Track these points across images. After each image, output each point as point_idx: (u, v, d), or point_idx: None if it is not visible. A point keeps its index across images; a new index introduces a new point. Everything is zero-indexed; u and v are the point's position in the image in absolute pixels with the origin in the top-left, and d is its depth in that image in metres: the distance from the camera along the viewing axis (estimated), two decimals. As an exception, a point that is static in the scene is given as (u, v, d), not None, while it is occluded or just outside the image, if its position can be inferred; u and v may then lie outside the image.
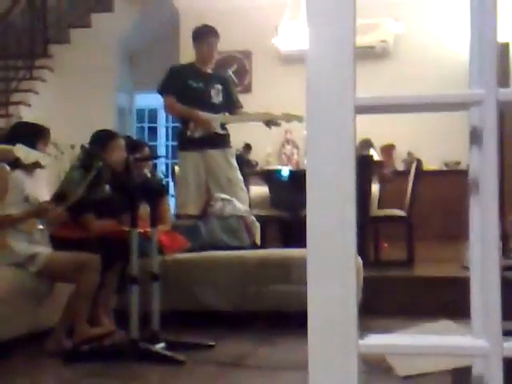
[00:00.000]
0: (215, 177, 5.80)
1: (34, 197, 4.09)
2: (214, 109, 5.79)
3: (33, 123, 4.49)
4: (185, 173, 5.84)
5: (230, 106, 5.94)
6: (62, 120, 8.85)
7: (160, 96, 5.91)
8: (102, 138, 4.59)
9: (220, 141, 5.83)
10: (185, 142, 5.83)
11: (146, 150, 5.18)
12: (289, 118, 5.67)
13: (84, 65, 9.29)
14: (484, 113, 0.87)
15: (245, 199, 5.82)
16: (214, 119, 5.73)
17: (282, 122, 5.83)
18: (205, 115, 5.70)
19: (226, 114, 5.88)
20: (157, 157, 5.30)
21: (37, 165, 4.12)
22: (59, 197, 4.07)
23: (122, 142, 4.64)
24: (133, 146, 5.01)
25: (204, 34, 5.89)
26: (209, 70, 5.94)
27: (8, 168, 4.09)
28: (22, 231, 4.08)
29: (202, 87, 5.80)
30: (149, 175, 4.96)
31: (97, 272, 4.02)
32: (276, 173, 6.56)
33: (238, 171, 5.91)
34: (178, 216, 5.77)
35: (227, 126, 5.92)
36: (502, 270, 0.85)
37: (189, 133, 5.76)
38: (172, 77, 5.84)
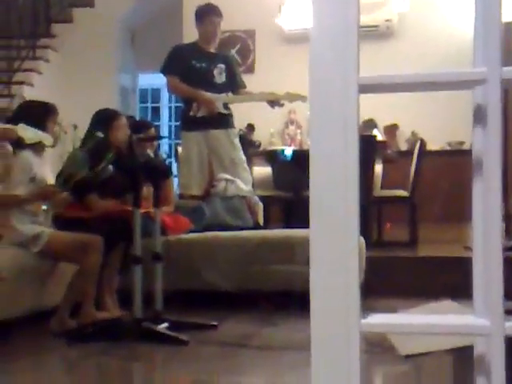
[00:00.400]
0: (218, 157, 5.79)
1: (42, 178, 4.09)
2: (217, 88, 5.77)
3: (40, 101, 4.46)
4: (187, 153, 5.83)
5: (234, 85, 5.91)
6: (65, 100, 8.82)
7: (163, 76, 5.89)
8: (105, 118, 4.58)
9: (223, 121, 5.81)
10: (187, 122, 5.82)
11: (152, 131, 5.16)
12: (292, 97, 5.65)
13: (87, 44, 9.26)
14: (488, 91, 0.86)
15: (248, 179, 5.81)
16: (217, 99, 5.71)
17: (285, 103, 5.81)
18: (208, 95, 5.68)
19: (229, 93, 5.86)
20: (160, 137, 5.28)
21: (41, 144, 4.11)
22: (63, 178, 4.07)
23: (124, 121, 4.63)
24: (138, 126, 5.00)
25: (207, 13, 5.86)
26: (212, 50, 5.91)
27: (10, 147, 4.08)
28: (26, 212, 4.08)
29: (206, 67, 5.77)
30: (152, 155, 4.96)
31: (99, 252, 4.02)
32: (279, 153, 6.55)
33: (241, 151, 5.90)
34: (181, 196, 5.77)
35: (230, 106, 5.91)
36: (504, 250, 0.85)
37: (191, 113, 5.75)
38: (175, 57, 5.81)
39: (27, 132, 3.97)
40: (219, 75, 5.82)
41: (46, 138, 4.09)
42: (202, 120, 5.72)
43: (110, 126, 4.48)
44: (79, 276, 4.02)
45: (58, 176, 4.19)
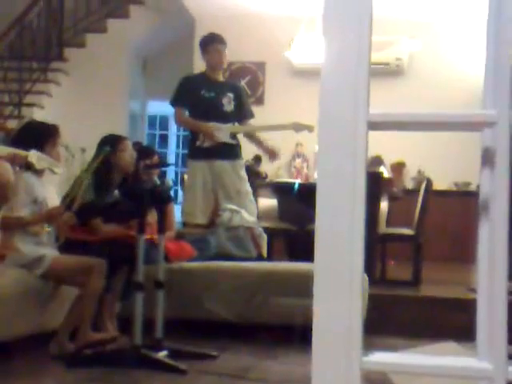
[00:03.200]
0: (224, 187, 5.79)
1: (44, 199, 4.10)
2: (226, 117, 5.80)
3: (41, 122, 4.47)
4: (193, 181, 5.85)
5: (242, 115, 5.94)
6: (75, 123, 8.88)
7: (172, 107, 5.94)
8: (111, 140, 4.61)
9: (229, 151, 5.82)
10: (194, 151, 5.85)
11: (156, 158, 5.21)
12: (298, 127, 5.69)
13: (98, 70, 9.33)
14: (497, 134, 0.86)
15: (253, 211, 5.81)
16: (222, 129, 5.74)
17: (293, 132, 5.87)
18: (211, 126, 5.71)
19: (236, 123, 5.89)
20: (167, 164, 5.30)
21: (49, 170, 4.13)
22: (69, 200, 4.07)
23: (129, 144, 4.67)
24: (143, 152, 5.04)
25: (210, 42, 5.91)
26: (221, 79, 5.96)
27: (10, 167, 4.06)
28: (29, 233, 4.08)
29: (214, 96, 5.81)
30: (158, 182, 4.97)
31: (102, 276, 4.01)
32: (285, 186, 6.55)
33: (248, 183, 5.90)
34: (184, 224, 5.77)
35: (238, 137, 5.93)
36: (509, 294, 0.85)
37: (198, 143, 5.78)
38: (183, 88, 5.86)
39: (38, 158, 3.98)
40: (228, 104, 5.84)
41: (55, 165, 4.10)
42: (207, 150, 5.74)
43: (115, 148, 4.51)
44: (80, 299, 4.00)
45: (64, 198, 4.20)
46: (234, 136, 5.85)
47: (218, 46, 5.87)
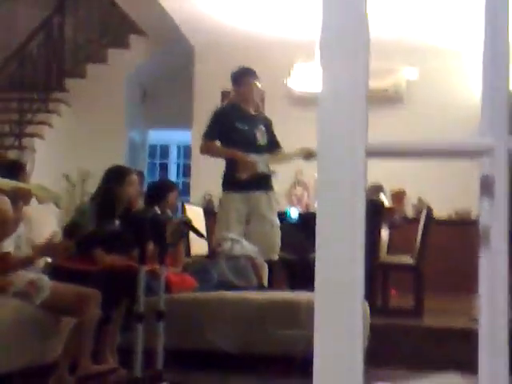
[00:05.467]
0: (259, 220, 5.82)
1: (23, 233, 4.09)
2: (259, 150, 5.87)
3: (7, 160, 4.47)
4: (226, 213, 5.83)
5: (273, 146, 6.03)
6: (75, 153, 8.91)
7: (205, 140, 5.95)
8: (117, 173, 4.63)
9: (265, 183, 5.90)
10: (230, 182, 5.84)
11: (175, 193, 5.20)
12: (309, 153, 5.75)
13: (98, 99, 9.38)
14: (495, 162, 0.86)
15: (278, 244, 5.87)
16: (260, 160, 5.81)
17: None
18: (252, 157, 5.78)
19: (268, 154, 5.94)
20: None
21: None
22: (70, 231, 4.06)
23: (136, 179, 4.69)
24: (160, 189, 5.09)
25: (243, 75, 6.00)
26: (252, 111, 6.04)
27: (9, 202, 4.03)
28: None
29: (248, 129, 5.89)
30: (170, 215, 4.93)
31: (97, 306, 3.98)
32: (285, 214, 6.55)
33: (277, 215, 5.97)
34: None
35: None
36: (511, 324, 0.84)
37: (237, 174, 5.78)
38: (218, 120, 5.90)
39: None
40: (261, 137, 5.94)
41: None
42: (245, 181, 5.76)
43: (121, 182, 4.53)
44: (77, 330, 3.97)
45: (66, 228, 4.20)
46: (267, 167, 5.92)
47: (250, 79, 5.97)
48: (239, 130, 5.85)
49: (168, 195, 5.03)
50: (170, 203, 5.01)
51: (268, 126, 6.09)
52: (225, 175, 5.97)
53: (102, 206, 4.43)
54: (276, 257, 5.84)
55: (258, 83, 6.02)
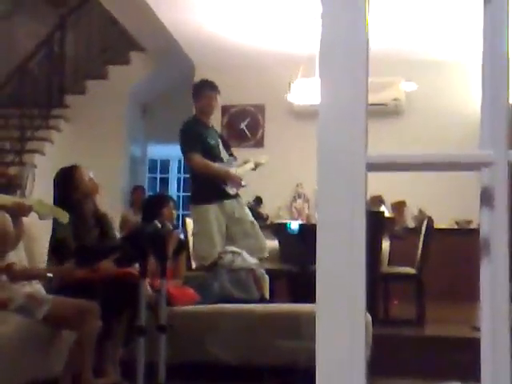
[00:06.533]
0: (239, 223, 5.91)
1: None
2: (224, 163, 5.96)
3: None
4: (206, 225, 5.84)
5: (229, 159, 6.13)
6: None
7: (184, 153, 5.97)
8: (64, 176, 4.64)
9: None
10: (207, 195, 5.86)
11: (170, 206, 5.24)
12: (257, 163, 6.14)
13: (99, 115, 9.40)
14: (494, 174, 0.87)
15: (264, 240, 6.01)
16: (240, 174, 5.96)
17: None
18: (234, 171, 5.93)
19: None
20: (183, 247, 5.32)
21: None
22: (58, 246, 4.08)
23: (87, 171, 4.73)
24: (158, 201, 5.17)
25: (202, 88, 6.01)
26: (210, 124, 6.11)
27: (9, 218, 4.04)
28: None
29: (215, 143, 5.97)
30: (171, 227, 4.94)
31: (97, 318, 3.96)
32: (286, 227, 6.55)
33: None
34: (197, 269, 5.80)
35: None
36: None
37: (228, 189, 5.88)
38: (195, 134, 5.88)
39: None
40: (223, 150, 6.04)
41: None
42: (220, 192, 5.85)
43: (72, 182, 4.55)
44: (78, 344, 3.96)
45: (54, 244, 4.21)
46: None
47: (209, 92, 5.97)
48: (211, 144, 5.90)
49: (163, 210, 5.06)
50: (167, 217, 5.03)
51: (222, 138, 6.27)
52: (199, 188, 5.94)
53: (74, 216, 4.38)
54: (266, 254, 5.89)
55: (217, 96, 6.03)
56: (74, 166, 4.73)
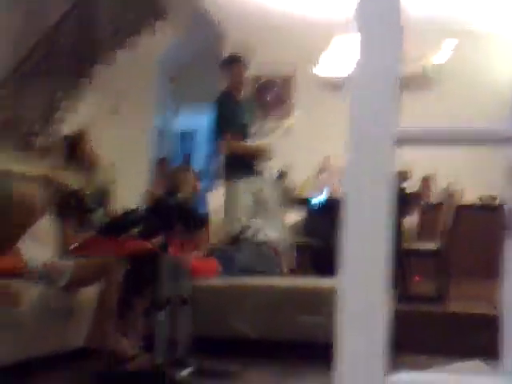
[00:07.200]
0: (264, 201, 5.93)
1: None
2: (249, 136, 5.99)
3: None
4: (234, 201, 5.88)
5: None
6: (102, 139, 8.93)
7: (217, 134, 5.97)
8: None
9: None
10: (236, 171, 5.88)
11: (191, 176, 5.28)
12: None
13: (125, 86, 9.39)
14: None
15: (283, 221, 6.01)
16: (271, 143, 5.98)
17: None
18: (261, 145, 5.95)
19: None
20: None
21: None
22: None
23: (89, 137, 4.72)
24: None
25: (232, 64, 6.02)
26: (240, 97, 6.11)
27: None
28: (35, 239, 4.11)
29: (247, 121, 6.01)
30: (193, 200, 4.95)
31: (118, 273, 3.96)
32: (310, 200, 6.54)
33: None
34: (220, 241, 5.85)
35: None
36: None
37: (256, 165, 5.93)
38: (226, 114, 5.89)
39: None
40: (254, 120, 6.12)
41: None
42: (248, 168, 5.86)
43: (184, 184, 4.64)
44: (100, 298, 3.93)
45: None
46: None
47: (238, 68, 5.99)
48: (242, 124, 5.93)
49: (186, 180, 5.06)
50: (190, 189, 5.03)
51: (253, 109, 6.34)
52: (227, 164, 5.96)
53: None
54: (272, 239, 5.81)
55: (246, 70, 6.04)
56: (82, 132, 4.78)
